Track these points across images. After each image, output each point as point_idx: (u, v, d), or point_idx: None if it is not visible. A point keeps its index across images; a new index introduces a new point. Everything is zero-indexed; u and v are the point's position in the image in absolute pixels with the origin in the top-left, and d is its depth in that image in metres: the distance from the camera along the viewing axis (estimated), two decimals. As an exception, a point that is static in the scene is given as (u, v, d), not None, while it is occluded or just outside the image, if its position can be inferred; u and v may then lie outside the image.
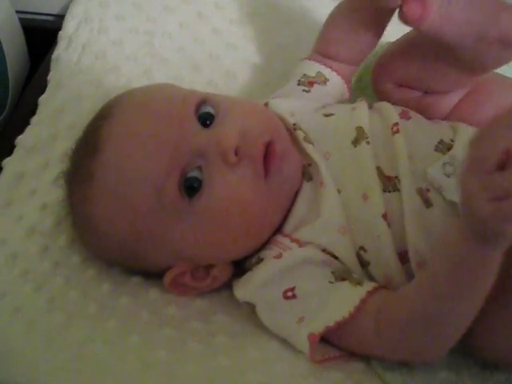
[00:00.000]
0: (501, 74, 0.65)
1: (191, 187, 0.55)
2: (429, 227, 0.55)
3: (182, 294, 0.60)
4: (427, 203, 0.56)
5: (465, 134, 0.59)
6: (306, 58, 0.71)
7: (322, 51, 0.69)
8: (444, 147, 0.58)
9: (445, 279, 0.47)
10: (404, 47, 0.63)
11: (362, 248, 0.56)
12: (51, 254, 0.61)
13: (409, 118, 0.61)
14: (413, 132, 0.59)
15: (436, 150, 0.58)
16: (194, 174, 0.55)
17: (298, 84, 0.69)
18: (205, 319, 0.58)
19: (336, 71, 0.69)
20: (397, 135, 0.58)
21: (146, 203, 0.55)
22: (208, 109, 0.58)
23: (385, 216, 0.56)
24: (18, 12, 0.89)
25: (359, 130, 0.59)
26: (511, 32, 0.54)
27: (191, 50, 0.82)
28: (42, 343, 0.53)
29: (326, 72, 0.69)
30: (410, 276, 0.55)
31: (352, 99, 0.69)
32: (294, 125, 0.61)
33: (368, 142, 0.59)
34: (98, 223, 0.58)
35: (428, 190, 0.56)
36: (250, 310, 0.59)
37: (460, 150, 0.57)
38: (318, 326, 0.53)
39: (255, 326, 0.57)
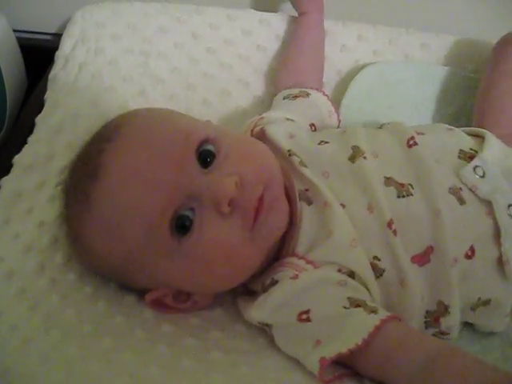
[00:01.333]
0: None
1: (183, 226, 0.56)
2: (464, 223, 0.59)
3: (161, 312, 0.61)
4: (461, 201, 0.60)
5: (491, 140, 0.63)
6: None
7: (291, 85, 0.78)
8: (465, 156, 0.62)
9: None
10: None
11: (375, 257, 0.58)
12: (48, 272, 0.62)
13: (423, 134, 0.64)
14: (432, 144, 0.63)
15: (459, 158, 0.62)
16: (187, 213, 0.56)
17: (284, 99, 0.75)
18: (199, 336, 0.59)
19: (316, 89, 0.76)
20: (415, 147, 0.61)
21: (136, 236, 0.56)
22: (209, 147, 0.58)
23: (390, 224, 0.58)
24: (15, 31, 0.89)
25: (355, 148, 0.62)
26: None
27: (186, 69, 0.83)
28: (37, 361, 0.53)
29: (307, 89, 0.76)
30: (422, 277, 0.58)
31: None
32: (289, 151, 0.63)
33: (365, 158, 0.61)
34: (88, 241, 0.59)
35: (461, 189, 0.60)
36: (244, 328, 0.60)
37: (489, 155, 0.61)
38: (331, 351, 0.53)
39: (249, 344, 0.58)
